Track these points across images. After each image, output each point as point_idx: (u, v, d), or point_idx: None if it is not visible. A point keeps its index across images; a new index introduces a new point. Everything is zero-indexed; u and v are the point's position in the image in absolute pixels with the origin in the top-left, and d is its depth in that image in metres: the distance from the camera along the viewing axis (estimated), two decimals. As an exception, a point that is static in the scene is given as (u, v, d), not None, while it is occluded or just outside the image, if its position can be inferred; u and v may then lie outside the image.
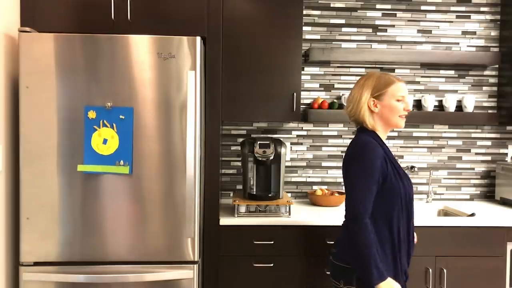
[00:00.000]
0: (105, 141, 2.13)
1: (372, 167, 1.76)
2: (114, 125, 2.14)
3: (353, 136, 3.09)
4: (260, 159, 2.59)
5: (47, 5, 2.33)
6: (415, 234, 1.96)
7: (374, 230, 1.75)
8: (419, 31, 3.12)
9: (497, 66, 3.14)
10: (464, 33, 3.14)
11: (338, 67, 3.10)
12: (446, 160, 3.17)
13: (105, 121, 2.14)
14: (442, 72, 3.15)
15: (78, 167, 2.14)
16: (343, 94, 3.03)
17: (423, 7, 3.11)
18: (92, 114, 2.13)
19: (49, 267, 2.17)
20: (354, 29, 3.09)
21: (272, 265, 2.46)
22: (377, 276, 1.69)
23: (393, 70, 3.12)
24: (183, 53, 2.17)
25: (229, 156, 3.05)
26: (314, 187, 3.09)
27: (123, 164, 2.15)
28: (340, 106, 3.01)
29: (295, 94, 2.63)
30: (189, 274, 2.22)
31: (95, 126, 2.13)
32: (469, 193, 3.20)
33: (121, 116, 2.14)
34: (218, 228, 2.43)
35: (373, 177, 1.75)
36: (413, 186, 3.12)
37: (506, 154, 3.20)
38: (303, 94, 3.05)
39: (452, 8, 3.12)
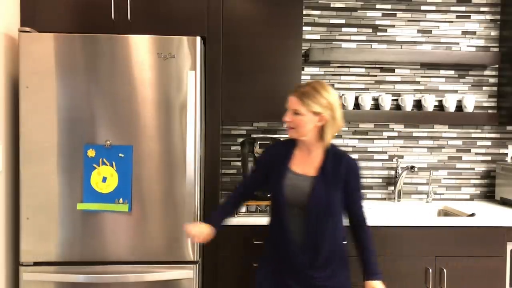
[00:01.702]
0: (104, 179, 2.14)
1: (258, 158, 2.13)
2: (114, 163, 2.14)
3: (353, 136, 3.11)
4: (260, 159, 2.59)
5: (47, 5, 2.33)
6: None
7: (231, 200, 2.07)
8: (419, 31, 3.12)
9: (497, 66, 3.14)
10: (464, 33, 3.14)
11: (338, 67, 3.10)
12: (446, 160, 3.17)
13: (104, 159, 2.14)
14: (442, 72, 3.15)
15: (77, 205, 2.15)
16: (343, 94, 3.03)
17: (423, 7, 3.11)
18: (91, 153, 2.14)
19: (49, 267, 2.17)
20: (354, 29, 3.09)
21: (272, 265, 2.46)
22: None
23: (393, 70, 3.12)
24: (183, 53, 2.17)
25: (229, 156, 3.05)
26: (314, 187, 3.08)
27: (122, 202, 2.15)
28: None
29: (295, 94, 2.63)
30: (189, 274, 2.22)
31: (94, 165, 2.14)
32: (469, 193, 3.19)
33: (120, 154, 2.15)
34: (218, 228, 2.43)
35: (257, 165, 2.14)
36: (412, 186, 3.13)
37: (506, 154, 3.20)
38: (303, 94, 3.05)
39: (452, 8, 3.12)
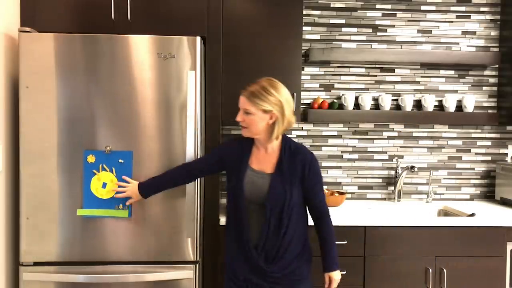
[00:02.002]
0: (104, 185, 2.13)
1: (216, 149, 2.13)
2: (114, 169, 2.14)
3: (353, 136, 3.11)
4: (260, 159, 2.58)
5: (47, 5, 2.33)
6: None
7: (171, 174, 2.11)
8: (419, 31, 3.12)
9: (497, 66, 3.14)
10: (464, 33, 3.14)
11: (338, 67, 3.10)
12: (446, 160, 3.17)
13: (104, 165, 2.14)
14: (442, 72, 3.15)
15: (77, 211, 2.15)
16: (343, 94, 3.03)
17: (423, 7, 3.11)
18: (91, 159, 2.13)
19: (49, 267, 2.17)
20: (354, 29, 3.09)
21: (272, 265, 2.45)
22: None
23: (393, 70, 3.12)
24: (183, 53, 2.17)
25: (229, 156, 3.04)
26: (314, 187, 3.08)
27: (122, 208, 2.15)
28: (340, 106, 3.01)
29: (295, 94, 2.63)
30: (189, 274, 2.22)
31: (94, 171, 2.14)
32: (469, 193, 3.20)
33: (120, 160, 2.14)
34: (218, 228, 2.43)
35: (210, 153, 2.14)
36: (412, 186, 3.13)
37: (506, 154, 3.20)
38: (303, 94, 3.05)
39: (452, 8, 3.12)
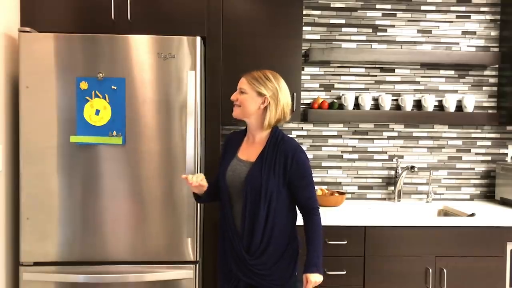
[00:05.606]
0: (97, 112, 2.11)
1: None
2: (106, 95, 2.12)
3: (353, 136, 3.11)
4: (260, 159, 2.58)
5: (47, 5, 2.33)
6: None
7: None
8: (419, 31, 3.12)
9: (497, 66, 3.14)
10: (464, 33, 3.14)
11: (338, 67, 3.10)
12: (446, 160, 3.17)
13: (97, 91, 2.12)
14: (442, 72, 3.15)
15: (70, 138, 2.12)
16: (343, 94, 3.03)
17: (423, 7, 3.11)
18: (84, 85, 2.11)
19: (49, 267, 2.17)
20: (354, 29, 3.09)
21: (272, 265, 2.45)
22: None
23: (393, 70, 3.12)
24: (183, 53, 2.17)
25: (229, 156, 3.04)
26: (314, 187, 3.08)
27: (116, 134, 2.13)
28: (340, 106, 3.01)
29: (295, 94, 2.63)
30: (189, 274, 2.22)
31: (87, 97, 2.12)
32: (469, 193, 3.19)
33: (113, 87, 2.13)
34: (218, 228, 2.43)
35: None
36: (412, 186, 3.13)
37: (506, 154, 3.20)
38: (303, 94, 3.05)
39: (452, 8, 3.12)
